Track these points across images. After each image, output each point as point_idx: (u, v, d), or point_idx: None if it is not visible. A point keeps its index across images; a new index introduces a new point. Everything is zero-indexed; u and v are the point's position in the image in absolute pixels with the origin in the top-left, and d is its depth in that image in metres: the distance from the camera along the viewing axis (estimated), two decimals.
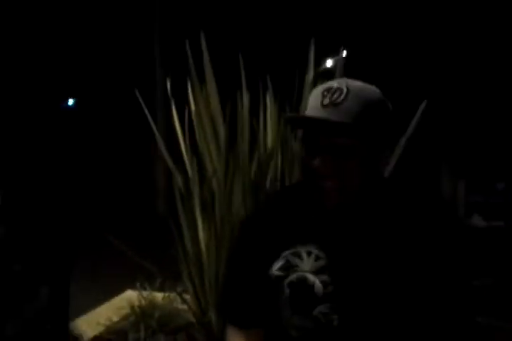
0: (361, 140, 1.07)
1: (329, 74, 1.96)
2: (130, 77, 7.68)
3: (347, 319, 1.10)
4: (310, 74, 1.95)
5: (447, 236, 1.15)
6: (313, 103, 1.10)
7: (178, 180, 2.16)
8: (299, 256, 1.15)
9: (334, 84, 1.10)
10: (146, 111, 2.23)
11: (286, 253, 1.17)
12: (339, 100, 1.06)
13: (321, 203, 1.13)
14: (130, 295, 2.60)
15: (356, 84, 1.11)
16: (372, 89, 1.12)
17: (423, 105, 2.09)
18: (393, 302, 1.09)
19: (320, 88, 1.12)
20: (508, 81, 6.92)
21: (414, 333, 1.11)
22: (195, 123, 2.13)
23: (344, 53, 2.08)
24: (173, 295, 2.39)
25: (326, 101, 1.07)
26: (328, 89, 1.08)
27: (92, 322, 2.41)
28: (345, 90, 1.07)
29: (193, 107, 2.15)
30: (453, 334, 1.12)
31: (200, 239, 2.08)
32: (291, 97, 1.95)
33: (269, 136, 2.01)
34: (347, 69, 1.93)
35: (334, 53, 2.09)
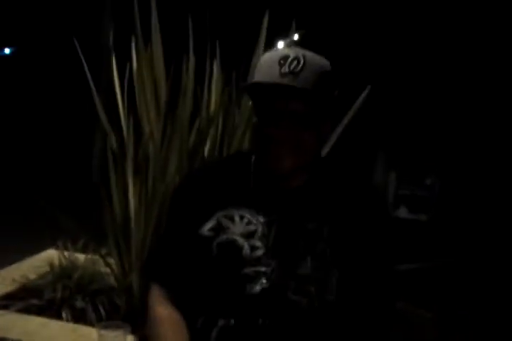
0: (317, 108, 1.11)
1: None
2: (74, 26, 7.26)
3: (271, 284, 1.13)
4: (260, 47, 1.91)
5: (375, 222, 1.20)
6: (270, 71, 1.11)
7: (113, 140, 2.09)
8: (231, 218, 1.17)
9: (290, 53, 1.11)
10: (85, 65, 2.12)
11: (219, 214, 1.18)
12: (297, 69, 1.08)
13: (268, 170, 1.16)
14: (50, 255, 2.53)
15: (310, 53, 1.14)
16: (323, 59, 1.16)
17: (366, 90, 2.13)
18: (317, 272, 1.13)
19: (274, 56, 1.12)
20: (446, 75, 7.15)
21: (334, 307, 1.15)
22: (136, 82, 2.06)
23: (296, 35, 2.06)
24: (96, 257, 2.33)
25: (285, 69, 1.08)
26: (285, 58, 1.10)
27: (6, 278, 2.33)
28: (302, 59, 1.09)
29: (135, 65, 2.07)
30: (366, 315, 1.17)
31: (129, 203, 2.04)
32: (238, 68, 1.92)
33: (212, 104, 1.98)
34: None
35: (287, 28, 2.06)
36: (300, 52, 1.11)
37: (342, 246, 1.15)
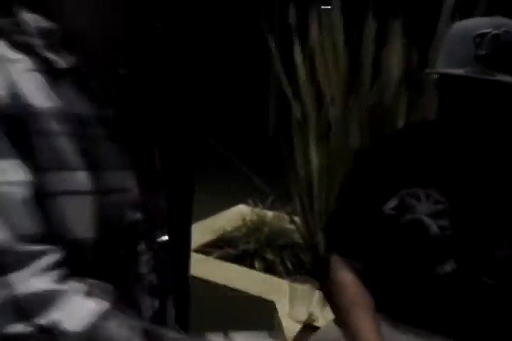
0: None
1: (469, 8, 1.76)
2: None
3: (463, 265, 1.07)
4: (447, 6, 1.77)
5: None
6: (463, 52, 0.95)
7: (295, 105, 2.17)
8: (416, 197, 1.10)
9: (487, 28, 0.92)
10: (266, 34, 2.20)
11: (403, 192, 1.11)
12: (497, 51, 0.92)
13: (455, 147, 1.07)
14: (242, 210, 2.78)
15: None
16: None
17: None
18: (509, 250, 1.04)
19: (469, 30, 0.95)
20: None
21: None
22: (316, 48, 2.08)
23: None
24: (282, 214, 2.51)
25: (481, 51, 0.92)
26: (482, 35, 0.92)
27: (206, 229, 2.61)
28: (504, 36, 0.92)
29: (315, 31, 2.09)
30: None
31: (312, 166, 2.13)
32: (421, 30, 1.81)
33: (394, 67, 1.92)
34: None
35: None
36: (500, 24, 0.92)
37: None
